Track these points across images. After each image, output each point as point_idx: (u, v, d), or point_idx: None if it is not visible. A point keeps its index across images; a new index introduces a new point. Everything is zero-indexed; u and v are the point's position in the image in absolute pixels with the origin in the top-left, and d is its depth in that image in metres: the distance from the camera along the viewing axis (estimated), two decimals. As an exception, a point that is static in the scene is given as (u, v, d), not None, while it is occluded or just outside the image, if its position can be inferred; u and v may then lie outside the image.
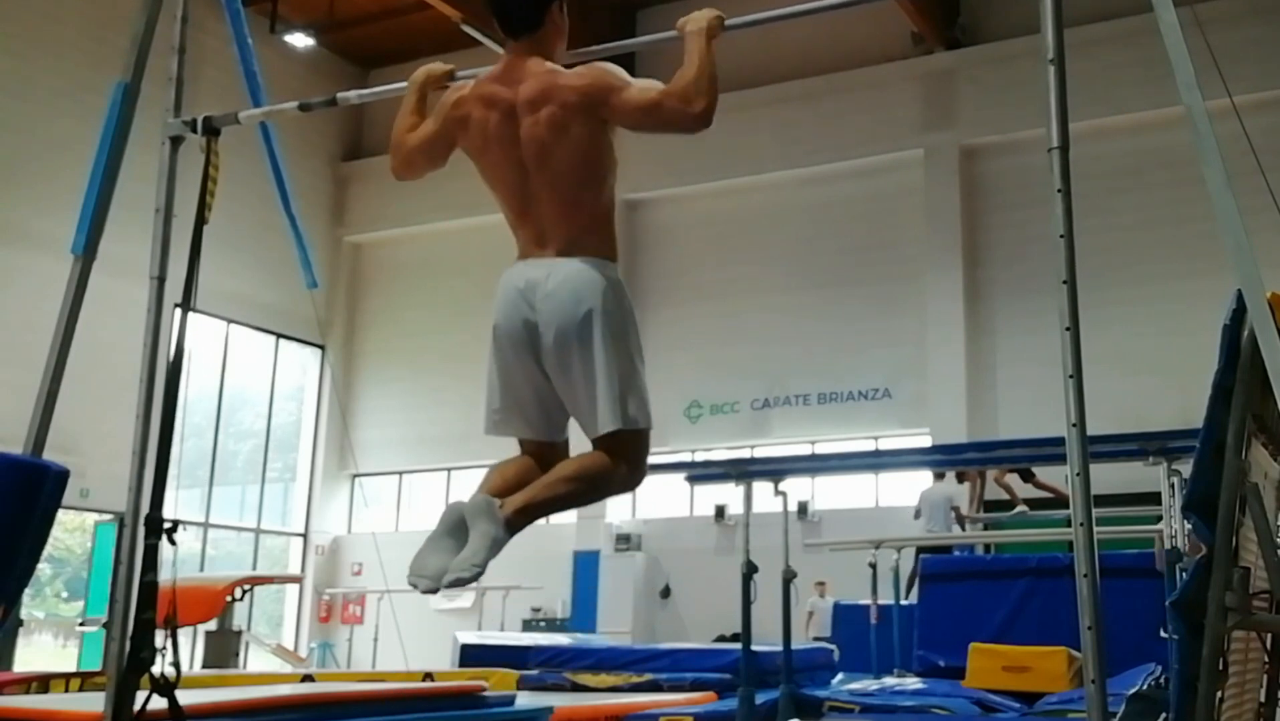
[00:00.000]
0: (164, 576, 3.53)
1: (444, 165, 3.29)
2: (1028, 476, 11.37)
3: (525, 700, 6.00)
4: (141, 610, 3.49)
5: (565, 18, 3.14)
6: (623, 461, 2.95)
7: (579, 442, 3.07)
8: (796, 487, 11.25)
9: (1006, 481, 11.69)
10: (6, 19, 14.75)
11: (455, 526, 2.79)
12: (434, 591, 2.77)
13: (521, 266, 3.04)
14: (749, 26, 3.38)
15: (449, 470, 18.15)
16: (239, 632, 10.31)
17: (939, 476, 12.10)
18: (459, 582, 2.74)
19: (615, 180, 3.11)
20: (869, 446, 14.74)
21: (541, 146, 2.98)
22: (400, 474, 18.84)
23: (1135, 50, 12.85)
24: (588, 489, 2.99)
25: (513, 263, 3.08)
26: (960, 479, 12.06)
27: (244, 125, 4.09)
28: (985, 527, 11.89)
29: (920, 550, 10.31)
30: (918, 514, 11.97)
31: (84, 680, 6.58)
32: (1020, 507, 10.28)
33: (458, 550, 2.76)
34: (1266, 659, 3.37)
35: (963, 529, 11.69)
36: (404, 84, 3.53)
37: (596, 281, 2.95)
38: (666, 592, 16.03)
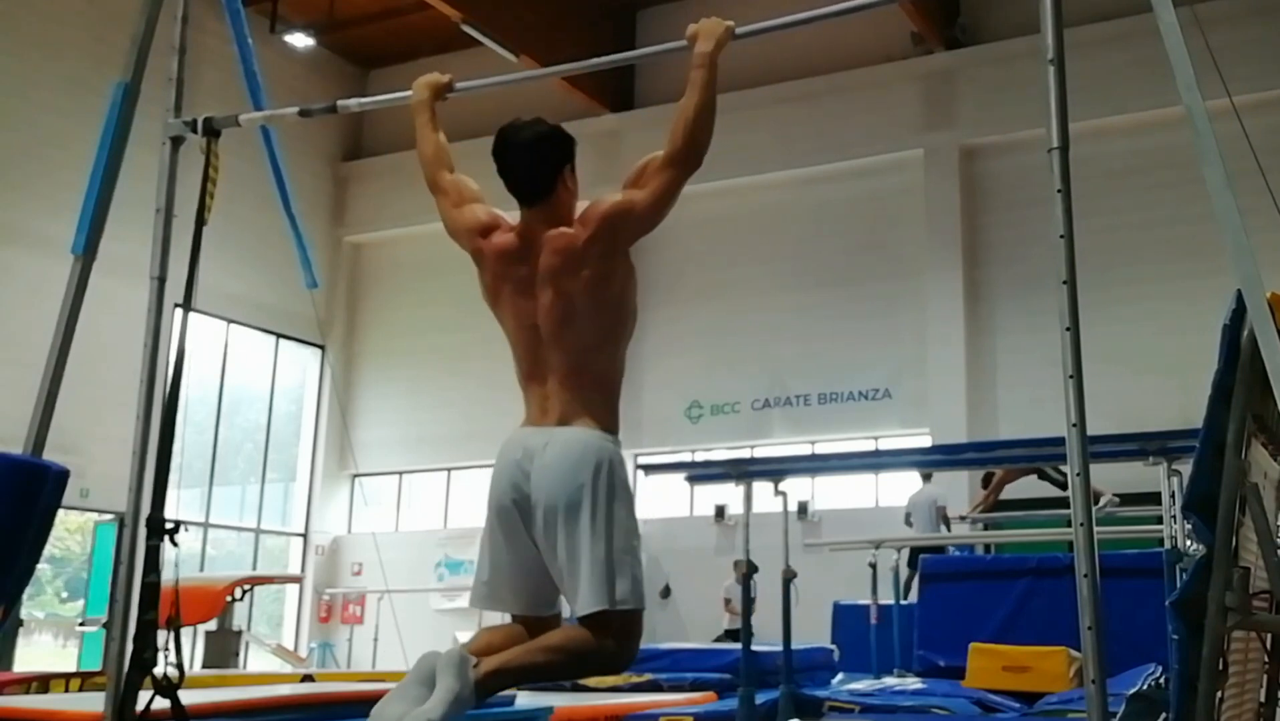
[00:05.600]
0: (165, 576, 3.53)
1: None
2: (1044, 476, 11.34)
3: (525, 700, 5.99)
4: (144, 611, 3.49)
5: (576, 179, 3.10)
6: (609, 639, 2.86)
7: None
8: (796, 487, 11.24)
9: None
10: (6, 19, 14.74)
11: (426, 676, 2.74)
12: None
13: (521, 434, 2.99)
14: (758, 34, 3.37)
15: (449, 470, 18.14)
16: (239, 632, 10.33)
17: (926, 478, 12.12)
18: None
19: (628, 344, 3.06)
20: (869, 446, 14.74)
21: (560, 318, 2.95)
22: (400, 474, 18.83)
23: (1135, 50, 12.84)
24: (569, 662, 2.92)
25: (518, 427, 3.02)
26: (986, 481, 12.03)
27: (244, 127, 4.09)
28: (985, 527, 11.89)
29: (912, 552, 10.30)
30: (908, 519, 12.00)
31: (84, 680, 6.59)
32: (1107, 497, 9.82)
33: (424, 700, 2.69)
34: (1266, 659, 3.37)
35: (948, 528, 11.69)
36: (405, 92, 3.54)
37: (592, 455, 2.89)
38: (666, 592, 16.02)
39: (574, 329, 2.95)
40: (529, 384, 3.04)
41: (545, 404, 2.98)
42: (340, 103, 3.96)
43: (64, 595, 17.69)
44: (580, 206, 3.10)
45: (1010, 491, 12.01)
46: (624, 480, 2.94)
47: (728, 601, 13.99)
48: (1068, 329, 2.78)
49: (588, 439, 2.91)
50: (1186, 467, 3.74)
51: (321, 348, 18.63)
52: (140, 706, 3.46)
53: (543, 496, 2.87)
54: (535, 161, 3.02)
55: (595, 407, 2.96)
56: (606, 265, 2.96)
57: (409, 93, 3.50)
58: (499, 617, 3.15)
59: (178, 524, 3.59)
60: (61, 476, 4.00)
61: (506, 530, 2.96)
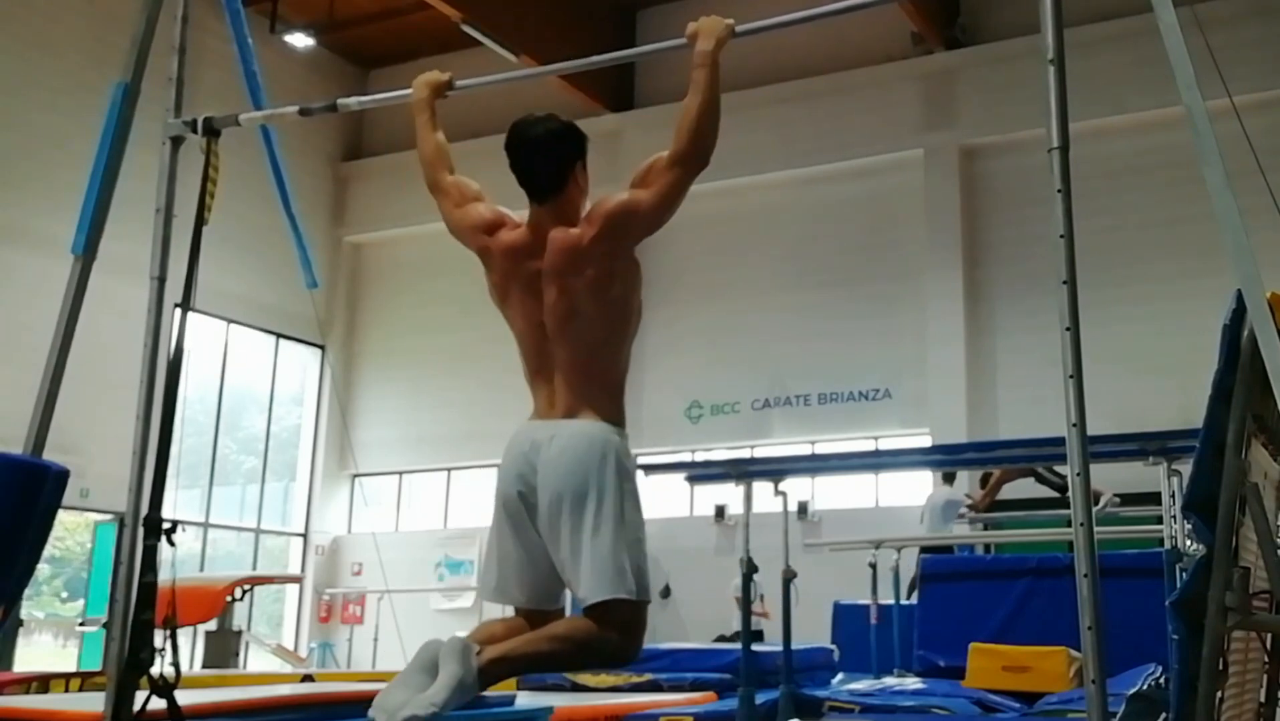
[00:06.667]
0: (164, 576, 3.53)
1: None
2: (1041, 479, 11.34)
3: (525, 700, 5.99)
4: (141, 610, 3.48)
5: (587, 176, 3.11)
6: (613, 631, 2.86)
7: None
8: (796, 487, 11.23)
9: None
10: (6, 19, 14.74)
11: (428, 664, 2.75)
12: None
13: (529, 427, 3.01)
14: (758, 32, 3.37)
15: (449, 470, 18.14)
16: (239, 632, 10.32)
17: (948, 479, 12.07)
18: (412, 720, 2.66)
19: (633, 341, 3.07)
20: (869, 446, 14.74)
21: (566, 315, 2.96)
22: (400, 474, 18.83)
23: (1135, 50, 12.84)
24: (572, 652, 2.91)
25: (525, 421, 3.04)
26: (984, 480, 12.03)
27: (244, 126, 4.09)
28: (985, 527, 11.88)
29: (923, 553, 10.28)
30: (922, 518, 12.00)
31: (84, 680, 6.59)
32: (1107, 497, 9.78)
33: (426, 688, 2.70)
34: (1266, 659, 3.37)
35: (974, 511, 11.65)
36: (405, 90, 3.54)
37: (599, 447, 2.90)
38: (666, 592, 16.02)
39: (579, 326, 2.96)
40: (536, 380, 3.06)
41: (552, 398, 3.00)
42: (341, 101, 3.95)
43: (64, 595, 17.68)
44: (587, 205, 3.10)
45: (1009, 491, 12.00)
46: (630, 472, 2.95)
47: (738, 600, 13.95)
48: (1068, 329, 2.78)
49: (594, 430, 2.92)
50: (1186, 467, 3.73)
51: (321, 348, 18.63)
52: (137, 706, 3.45)
53: (549, 487, 2.89)
54: (547, 158, 3.03)
55: (601, 401, 2.98)
56: (610, 264, 2.97)
57: (409, 91, 3.50)
58: (499, 611, 3.15)
59: (175, 523, 3.58)
60: (61, 476, 4.00)
61: (514, 523, 2.97)
